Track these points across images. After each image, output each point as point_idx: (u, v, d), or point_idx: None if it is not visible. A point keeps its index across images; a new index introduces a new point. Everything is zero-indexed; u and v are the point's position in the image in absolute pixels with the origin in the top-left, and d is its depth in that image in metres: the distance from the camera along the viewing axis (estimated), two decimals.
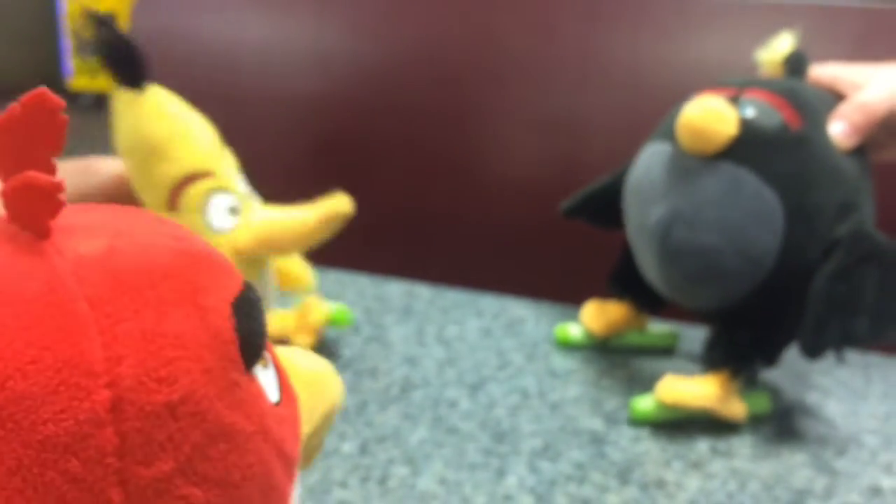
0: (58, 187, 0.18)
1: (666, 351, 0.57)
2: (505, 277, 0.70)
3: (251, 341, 0.21)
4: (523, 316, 0.61)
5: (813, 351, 0.44)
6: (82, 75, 3.91)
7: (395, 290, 0.65)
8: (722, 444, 0.46)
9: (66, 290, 0.18)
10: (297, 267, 0.54)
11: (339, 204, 0.47)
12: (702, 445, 0.46)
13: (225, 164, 0.47)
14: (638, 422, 0.48)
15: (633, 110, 0.78)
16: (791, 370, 0.54)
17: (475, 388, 0.51)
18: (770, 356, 0.48)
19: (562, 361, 0.55)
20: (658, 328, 0.58)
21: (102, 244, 0.19)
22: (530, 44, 0.81)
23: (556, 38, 0.81)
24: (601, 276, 0.74)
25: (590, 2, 0.81)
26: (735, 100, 0.46)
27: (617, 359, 0.56)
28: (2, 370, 0.17)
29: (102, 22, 0.43)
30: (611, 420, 0.48)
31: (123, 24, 0.43)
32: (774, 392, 0.52)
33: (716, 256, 0.45)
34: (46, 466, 0.16)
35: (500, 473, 0.43)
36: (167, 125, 0.45)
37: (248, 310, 0.21)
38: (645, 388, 0.52)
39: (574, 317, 0.60)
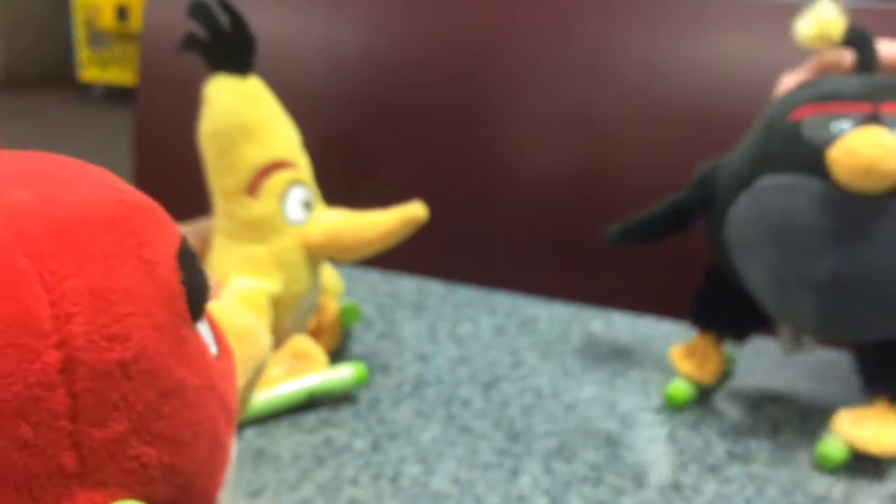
0: None
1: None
2: (517, 275, 0.70)
3: (196, 295, 0.20)
4: (537, 315, 0.61)
5: None
6: (92, 66, 3.93)
7: (407, 286, 0.65)
8: (739, 448, 0.46)
9: (3, 244, 0.17)
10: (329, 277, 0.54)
11: (413, 210, 0.47)
12: (718, 449, 0.45)
13: (304, 160, 0.48)
14: (827, 468, 0.44)
15: (649, 110, 0.77)
16: (810, 376, 0.53)
17: (488, 387, 0.51)
18: None
19: (576, 362, 0.54)
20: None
21: (35, 194, 0.18)
22: (545, 42, 0.81)
23: (571, 36, 0.80)
24: (614, 276, 0.74)
25: (606, 0, 0.81)
26: (876, 118, 0.41)
27: (631, 359, 0.55)
28: None
29: (212, 7, 0.44)
30: (626, 422, 0.48)
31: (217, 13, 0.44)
32: (790, 400, 0.52)
33: None
34: None
35: (514, 473, 0.42)
36: (265, 111, 0.46)
37: (190, 262, 0.20)
38: (661, 391, 0.51)
39: (585, 317, 0.59)
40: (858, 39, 0.45)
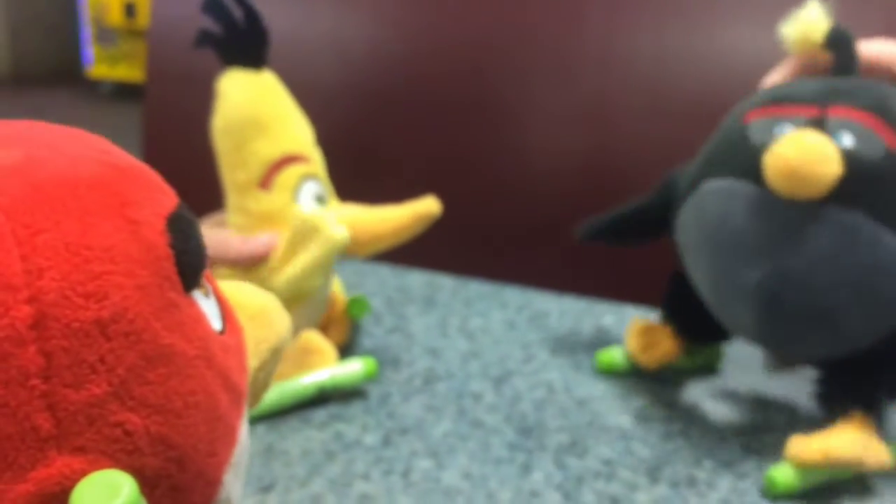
0: None
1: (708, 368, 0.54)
2: (528, 269, 0.69)
3: (189, 260, 0.19)
4: (548, 309, 0.60)
5: None
6: (102, 63, 3.93)
7: (417, 280, 0.64)
8: (755, 442, 0.45)
9: None
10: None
11: (426, 205, 0.47)
12: (733, 444, 0.45)
13: (318, 155, 0.48)
14: (780, 495, 0.41)
15: (659, 102, 0.76)
16: None
17: (500, 382, 0.50)
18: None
19: (587, 356, 0.54)
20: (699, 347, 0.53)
21: (20, 154, 0.18)
22: (554, 34, 0.80)
23: (580, 27, 0.79)
24: (624, 270, 0.73)
25: None
26: (821, 122, 0.39)
27: None
28: None
29: (225, 2, 0.44)
30: (639, 417, 0.47)
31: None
32: (805, 396, 0.51)
33: (837, 317, 0.39)
34: None
35: (526, 469, 0.42)
36: (278, 105, 0.46)
37: (184, 227, 0.19)
38: (675, 385, 0.51)
39: (597, 311, 0.58)
40: (839, 42, 0.43)
